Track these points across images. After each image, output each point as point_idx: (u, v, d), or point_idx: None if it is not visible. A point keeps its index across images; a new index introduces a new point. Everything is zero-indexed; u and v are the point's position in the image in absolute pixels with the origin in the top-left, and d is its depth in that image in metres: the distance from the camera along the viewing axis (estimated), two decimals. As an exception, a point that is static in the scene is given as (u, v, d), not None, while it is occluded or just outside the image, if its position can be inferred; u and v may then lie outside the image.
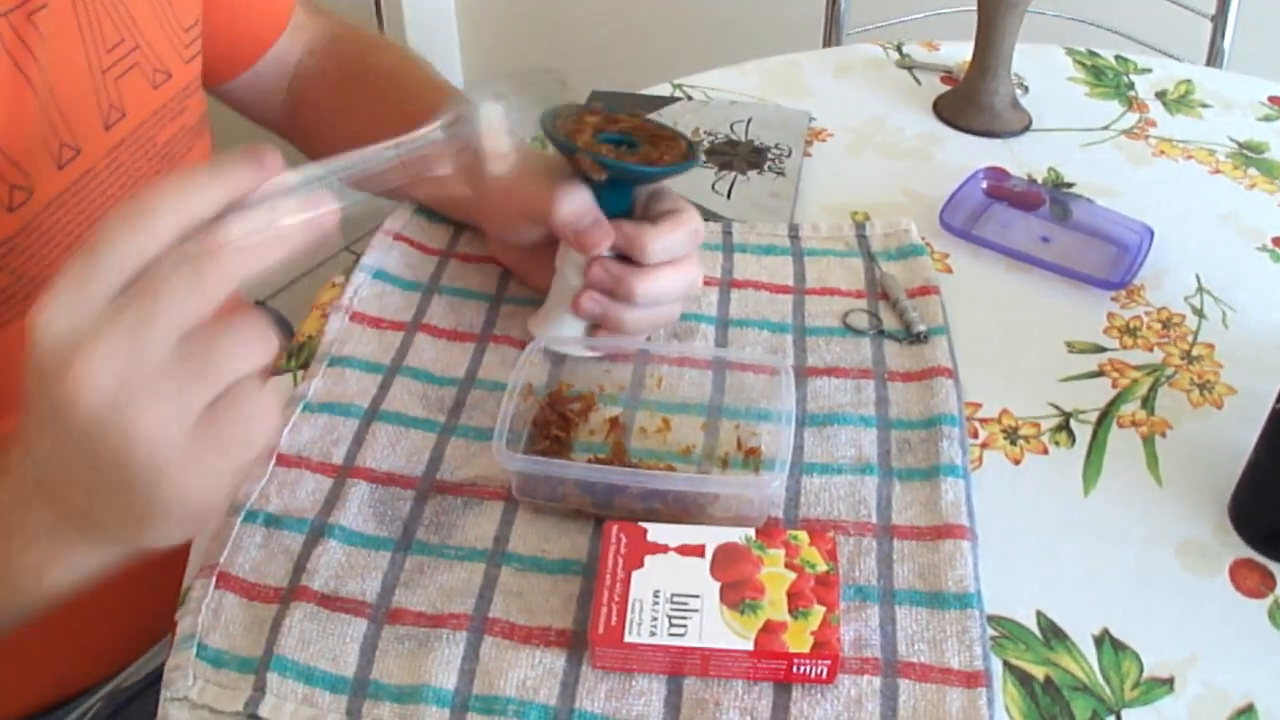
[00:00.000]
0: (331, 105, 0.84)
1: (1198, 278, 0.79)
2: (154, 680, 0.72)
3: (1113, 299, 0.77)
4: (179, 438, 0.40)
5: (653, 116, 0.95)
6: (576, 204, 0.64)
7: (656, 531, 0.57)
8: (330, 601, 0.57)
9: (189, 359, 0.40)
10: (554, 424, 0.66)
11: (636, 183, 0.65)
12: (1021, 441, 0.67)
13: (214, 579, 0.58)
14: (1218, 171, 0.90)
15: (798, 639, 0.52)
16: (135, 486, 0.41)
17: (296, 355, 0.72)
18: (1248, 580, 0.60)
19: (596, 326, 0.68)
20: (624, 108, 0.69)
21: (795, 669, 0.53)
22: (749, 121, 0.95)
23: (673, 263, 0.65)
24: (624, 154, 0.64)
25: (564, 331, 0.68)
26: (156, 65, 0.67)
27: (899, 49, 1.07)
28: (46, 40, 0.59)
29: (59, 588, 0.48)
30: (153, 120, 0.67)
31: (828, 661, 0.52)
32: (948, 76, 1.02)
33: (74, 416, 0.40)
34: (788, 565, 0.55)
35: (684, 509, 0.60)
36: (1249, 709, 0.54)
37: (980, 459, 0.66)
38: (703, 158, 0.90)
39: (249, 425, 0.42)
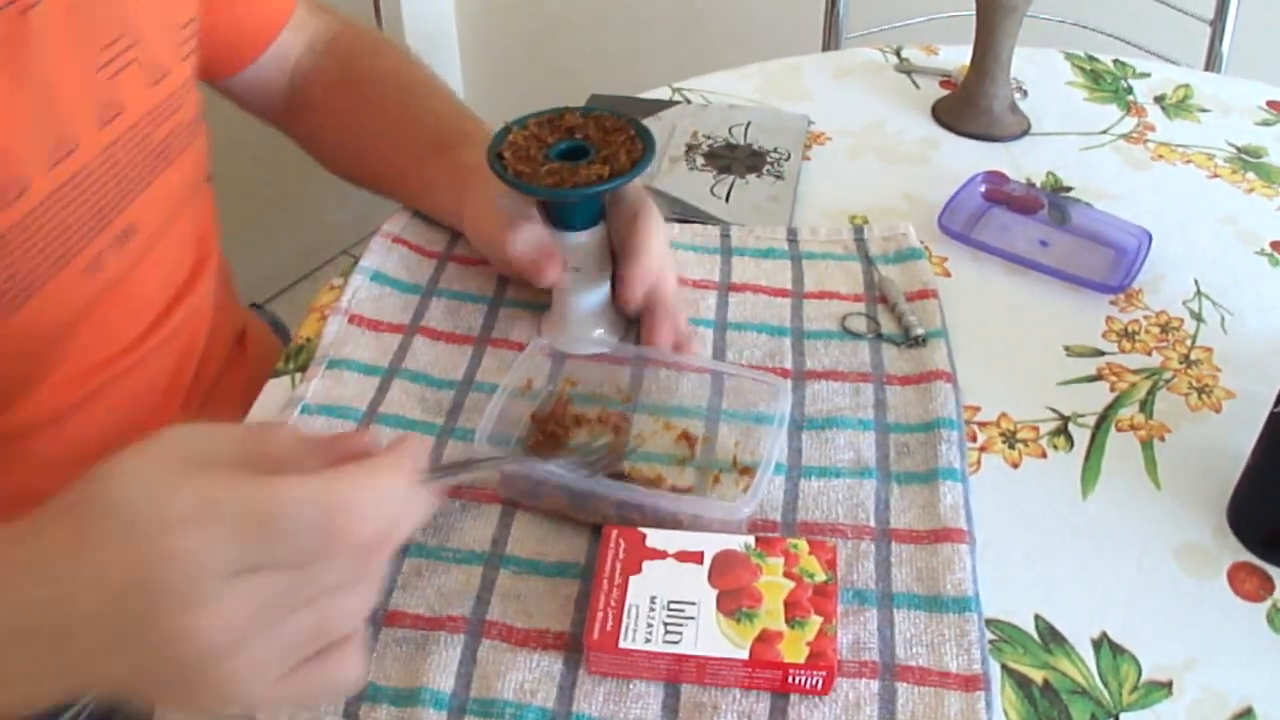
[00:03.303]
0: (331, 105, 0.84)
1: (1196, 282, 0.79)
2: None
3: (1111, 303, 0.77)
4: (272, 682, 0.40)
5: (649, 120, 0.95)
6: (522, 245, 0.67)
7: (655, 537, 0.57)
8: (328, 604, 0.57)
9: (307, 626, 0.40)
10: (552, 420, 0.66)
11: (592, 198, 0.66)
12: (1020, 445, 0.67)
13: (211, 582, 0.58)
14: (1216, 176, 0.90)
15: (793, 649, 0.52)
16: (196, 692, 0.40)
17: (295, 358, 0.72)
18: (1246, 584, 0.60)
19: (612, 329, 0.71)
20: (615, 109, 0.69)
21: (790, 679, 0.53)
22: (748, 125, 0.95)
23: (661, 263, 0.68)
24: (574, 169, 0.65)
25: (579, 334, 0.70)
26: (155, 62, 0.67)
27: (898, 53, 1.07)
28: (40, 37, 0.59)
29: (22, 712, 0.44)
30: (150, 117, 0.67)
31: (823, 673, 0.52)
32: (946, 80, 1.03)
33: (177, 648, 0.38)
34: (786, 574, 0.55)
35: (658, 521, 0.59)
36: (1248, 712, 0.54)
37: (979, 462, 0.66)
38: (661, 151, 0.90)
39: (337, 677, 0.42)
